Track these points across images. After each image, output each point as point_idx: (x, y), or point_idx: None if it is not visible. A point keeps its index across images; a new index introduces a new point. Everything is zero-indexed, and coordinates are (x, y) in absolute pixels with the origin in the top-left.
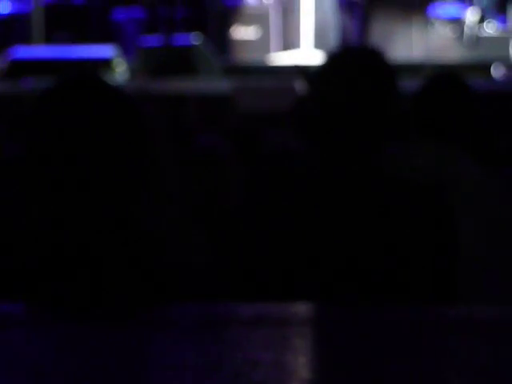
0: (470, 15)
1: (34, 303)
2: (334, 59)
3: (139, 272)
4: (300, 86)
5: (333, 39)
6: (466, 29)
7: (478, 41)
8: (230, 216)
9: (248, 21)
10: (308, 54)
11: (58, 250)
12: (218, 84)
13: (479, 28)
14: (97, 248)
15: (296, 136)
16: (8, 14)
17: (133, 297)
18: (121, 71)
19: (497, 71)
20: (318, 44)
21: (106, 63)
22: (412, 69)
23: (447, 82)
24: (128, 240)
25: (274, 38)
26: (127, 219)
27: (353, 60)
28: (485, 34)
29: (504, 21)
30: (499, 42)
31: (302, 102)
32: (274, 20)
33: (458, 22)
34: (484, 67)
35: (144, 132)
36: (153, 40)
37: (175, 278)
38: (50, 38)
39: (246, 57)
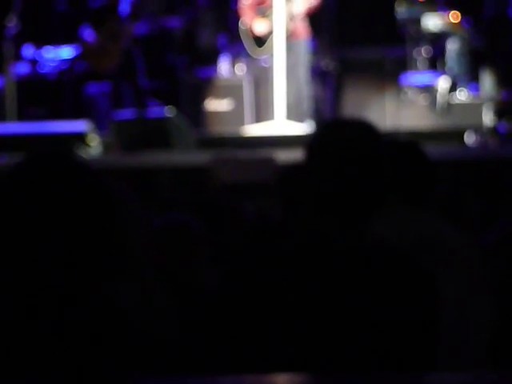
0: (442, 83)
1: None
2: (327, 129)
3: (111, 346)
4: (279, 156)
5: (306, 110)
6: (438, 97)
7: (450, 108)
8: (205, 292)
9: (221, 93)
10: (282, 125)
11: (31, 328)
12: (193, 156)
13: (451, 96)
14: (68, 323)
15: (280, 207)
16: None
17: (106, 371)
18: (94, 145)
19: (470, 138)
20: (292, 115)
21: (79, 138)
22: (387, 136)
23: (404, 149)
24: (100, 314)
25: (248, 109)
26: (97, 294)
27: (347, 130)
28: (457, 102)
29: (476, 88)
30: (471, 109)
31: (289, 172)
32: (248, 91)
33: (430, 89)
34: (457, 134)
35: (113, 208)
36: (126, 113)
37: (147, 351)
38: (22, 114)
39: (220, 129)
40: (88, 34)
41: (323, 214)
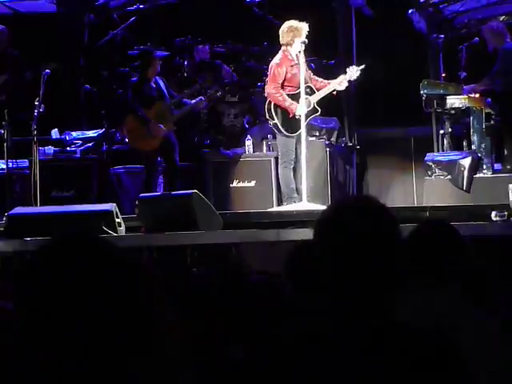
0: (467, 160)
1: None
2: (335, 208)
3: None
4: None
5: (329, 190)
6: (464, 172)
7: (476, 184)
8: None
9: (247, 171)
10: (307, 205)
11: None
12: (218, 235)
13: (477, 171)
14: None
15: (294, 288)
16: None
17: None
18: (120, 224)
19: (495, 214)
20: (315, 195)
21: (105, 217)
22: (411, 213)
23: (435, 228)
24: None
25: (274, 187)
26: (124, 372)
27: (353, 207)
28: (483, 177)
29: (501, 163)
30: (496, 185)
31: (298, 253)
32: (274, 170)
33: (455, 167)
34: (482, 211)
35: (138, 287)
36: (151, 192)
37: None
38: (48, 196)
39: (246, 207)
40: (140, 112)
41: (335, 293)
